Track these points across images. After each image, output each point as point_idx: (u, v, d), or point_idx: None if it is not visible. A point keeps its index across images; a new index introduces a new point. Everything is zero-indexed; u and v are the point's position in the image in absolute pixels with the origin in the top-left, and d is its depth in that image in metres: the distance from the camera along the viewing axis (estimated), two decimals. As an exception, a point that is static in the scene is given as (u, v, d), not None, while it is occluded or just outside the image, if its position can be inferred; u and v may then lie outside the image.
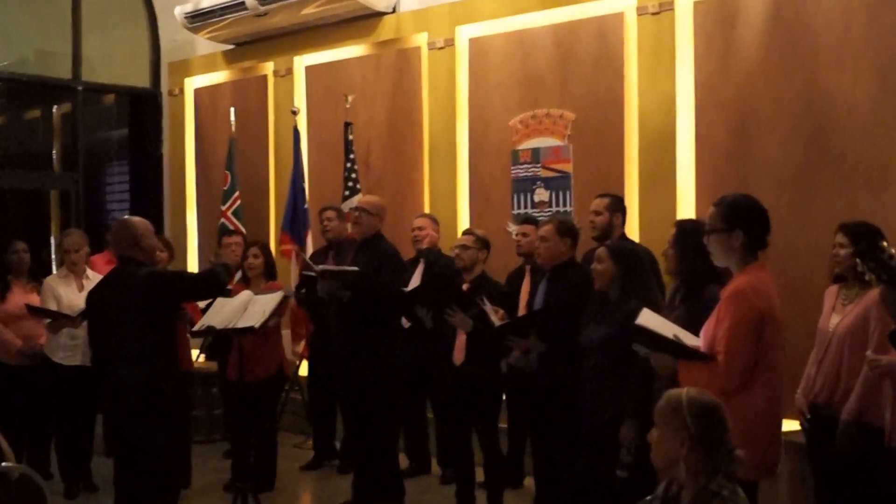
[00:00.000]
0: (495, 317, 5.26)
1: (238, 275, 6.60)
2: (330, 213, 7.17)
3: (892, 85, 5.51)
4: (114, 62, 10.06)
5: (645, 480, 4.56)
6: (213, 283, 4.88)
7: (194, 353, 7.18)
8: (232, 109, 8.86)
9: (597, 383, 4.66)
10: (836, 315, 4.40)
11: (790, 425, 4.24)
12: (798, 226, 5.75)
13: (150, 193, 10.16)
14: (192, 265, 9.57)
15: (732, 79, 6.17)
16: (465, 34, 7.58)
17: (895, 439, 3.84)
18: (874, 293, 4.14)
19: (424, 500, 6.34)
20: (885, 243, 2.70)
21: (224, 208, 8.73)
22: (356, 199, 7.69)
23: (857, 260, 2.79)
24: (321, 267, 6.02)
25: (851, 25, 5.67)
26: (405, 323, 6.25)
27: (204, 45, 9.52)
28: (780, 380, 3.77)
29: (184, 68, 9.86)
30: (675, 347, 3.78)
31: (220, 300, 5.37)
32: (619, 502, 4.39)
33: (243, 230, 8.28)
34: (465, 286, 5.66)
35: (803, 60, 5.86)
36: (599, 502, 4.64)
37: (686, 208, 6.34)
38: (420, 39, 7.90)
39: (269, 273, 6.50)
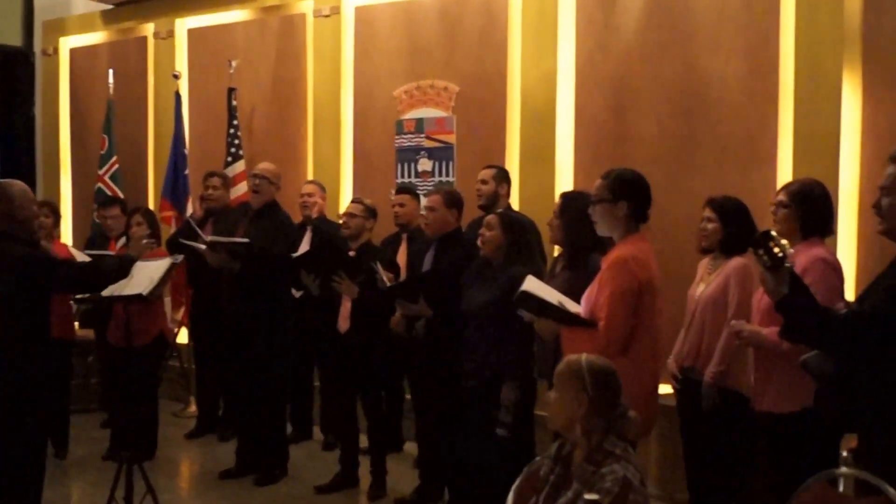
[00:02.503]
0: (387, 281, 5.33)
1: (121, 241, 6.48)
2: (216, 181, 7.04)
3: (762, 67, 5.75)
4: (-17, 19, 9.69)
5: (524, 439, 4.77)
6: (102, 275, 4.74)
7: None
8: (110, 71, 8.66)
9: (477, 345, 4.78)
10: (703, 284, 4.60)
11: (662, 388, 4.44)
12: (672, 200, 5.95)
13: (22, 156, 9.80)
14: (66, 231, 9.32)
15: (612, 57, 6.35)
16: (351, 3, 7.57)
17: (760, 403, 4.06)
18: (734, 262, 4.41)
19: (307, 465, 6.39)
20: (774, 232, 2.97)
21: (101, 173, 8.57)
22: (239, 166, 7.66)
23: (751, 248, 3.05)
24: (211, 238, 6.01)
25: (726, 9, 5.90)
26: (295, 293, 6.27)
27: (80, 3, 9.27)
28: (657, 345, 4.00)
29: (59, 27, 9.55)
30: (558, 313, 3.97)
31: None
32: (500, 461, 4.55)
33: (121, 195, 8.13)
34: (350, 254, 5.72)
35: (680, 41, 6.07)
36: (481, 461, 4.77)
37: (565, 182, 6.51)
38: (306, 6, 7.85)
39: (155, 239, 6.33)
